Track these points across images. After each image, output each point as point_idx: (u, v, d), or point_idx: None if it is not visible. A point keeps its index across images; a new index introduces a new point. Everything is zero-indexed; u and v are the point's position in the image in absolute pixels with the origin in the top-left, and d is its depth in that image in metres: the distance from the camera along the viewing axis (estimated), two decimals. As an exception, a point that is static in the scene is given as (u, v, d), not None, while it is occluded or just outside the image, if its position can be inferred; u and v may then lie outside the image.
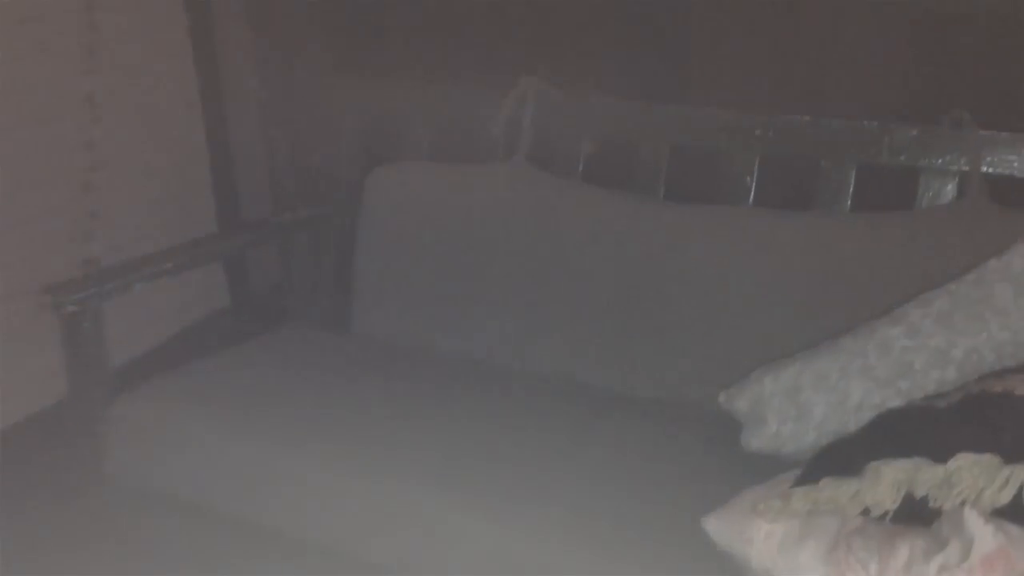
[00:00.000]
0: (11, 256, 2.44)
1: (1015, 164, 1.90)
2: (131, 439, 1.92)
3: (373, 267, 2.30)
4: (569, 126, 2.25)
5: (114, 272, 2.01)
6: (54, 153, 2.56)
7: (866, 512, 1.32)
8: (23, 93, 2.44)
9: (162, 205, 2.85)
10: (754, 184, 2.09)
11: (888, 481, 1.32)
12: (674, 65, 2.33)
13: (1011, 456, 1.25)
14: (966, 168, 1.92)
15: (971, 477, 1.26)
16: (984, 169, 1.91)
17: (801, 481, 1.41)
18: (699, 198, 2.10)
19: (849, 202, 2.02)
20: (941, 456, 1.29)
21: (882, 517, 1.32)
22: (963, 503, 1.26)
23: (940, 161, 1.96)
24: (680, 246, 2.03)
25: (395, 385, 2.03)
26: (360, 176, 2.35)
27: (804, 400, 1.61)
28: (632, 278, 2.06)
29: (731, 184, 2.10)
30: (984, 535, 1.21)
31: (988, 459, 1.26)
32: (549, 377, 2.07)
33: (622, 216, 2.11)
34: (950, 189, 1.95)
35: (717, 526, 1.44)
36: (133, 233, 2.72)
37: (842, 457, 1.41)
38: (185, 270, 2.13)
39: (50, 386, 2.35)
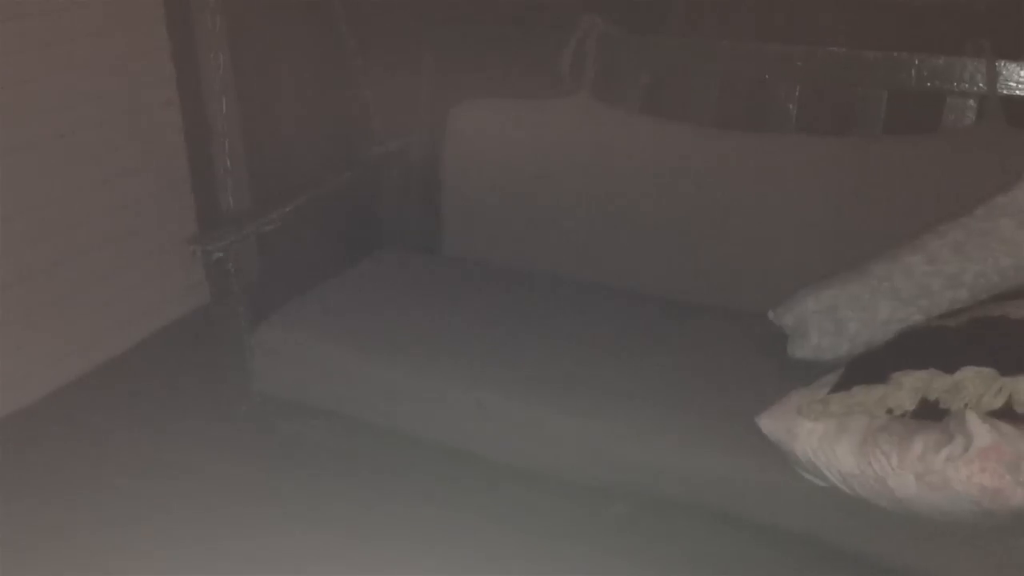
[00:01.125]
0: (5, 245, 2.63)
1: (1029, 89, 2.13)
2: (272, 361, 2.27)
3: (459, 195, 2.59)
4: (628, 62, 2.48)
5: (246, 221, 2.32)
6: (36, 149, 2.64)
7: (890, 412, 1.65)
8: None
9: (143, 203, 2.97)
10: (796, 112, 2.33)
11: (908, 387, 1.64)
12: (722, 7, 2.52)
13: (1005, 369, 1.56)
14: (985, 92, 2.16)
15: (973, 386, 1.57)
16: (1002, 92, 2.15)
17: (837, 387, 1.73)
18: (747, 126, 2.34)
19: (882, 126, 2.26)
20: (950, 368, 1.60)
21: (902, 416, 1.64)
22: (966, 406, 1.58)
23: (962, 86, 2.19)
24: (730, 171, 2.30)
25: (483, 300, 2.34)
26: (441, 113, 2.61)
27: (841, 317, 1.91)
28: (688, 200, 2.33)
29: (775, 112, 2.34)
30: (982, 432, 1.54)
31: (987, 372, 1.57)
32: (620, 289, 2.38)
33: (678, 144, 2.37)
34: (971, 112, 2.19)
35: (769, 424, 1.77)
36: (114, 230, 2.90)
37: (871, 367, 1.72)
38: (303, 212, 2.41)
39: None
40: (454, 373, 2.11)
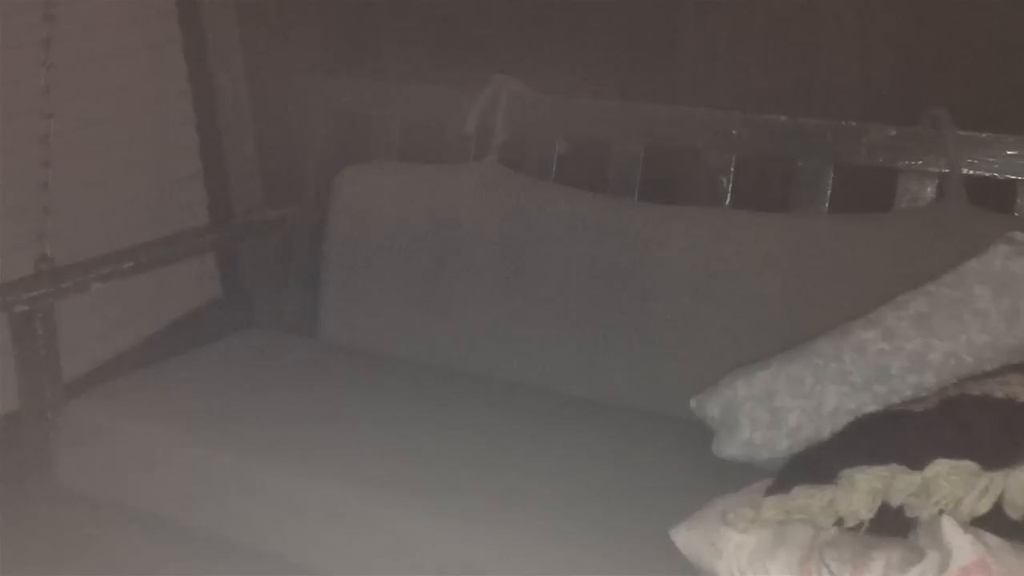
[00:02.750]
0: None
1: (995, 165, 1.86)
2: (81, 445, 1.87)
3: (340, 269, 2.25)
4: (542, 125, 2.21)
5: (70, 271, 1.94)
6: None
7: (840, 522, 1.28)
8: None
9: (153, 197, 2.81)
10: (731, 184, 2.05)
11: (863, 489, 1.27)
12: (650, 65, 2.29)
13: (990, 463, 1.20)
14: (945, 169, 1.89)
15: (949, 485, 1.21)
16: (964, 171, 1.88)
17: (773, 490, 1.36)
18: (675, 199, 2.07)
19: (827, 203, 1.98)
20: (918, 463, 1.25)
21: (857, 527, 1.28)
22: (941, 512, 1.21)
23: (919, 162, 1.92)
24: (655, 247, 1.99)
25: (356, 391, 1.99)
26: (330, 175, 2.30)
27: (778, 405, 1.57)
28: (607, 280, 2.02)
29: (707, 184, 2.06)
30: (963, 546, 1.17)
31: (966, 466, 1.21)
32: (520, 384, 2.03)
33: (596, 217, 2.06)
34: (929, 190, 1.92)
35: (686, 537, 1.39)
36: (123, 226, 2.65)
37: (816, 464, 1.36)
38: (146, 270, 2.06)
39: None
40: (297, 470, 1.71)
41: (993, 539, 1.17)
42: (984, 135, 1.86)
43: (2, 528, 2.05)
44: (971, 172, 1.87)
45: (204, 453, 1.78)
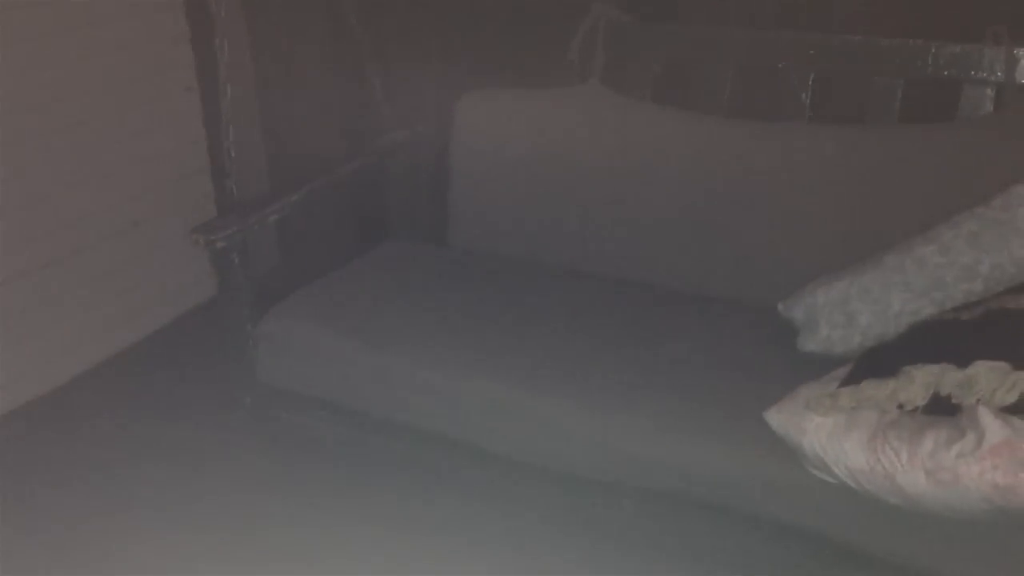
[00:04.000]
0: (6, 240, 2.60)
1: (1050, 77, 2.08)
2: (276, 352, 2.26)
3: (466, 187, 2.55)
4: (639, 50, 2.44)
5: (251, 209, 2.30)
6: (45, 139, 2.62)
7: (900, 407, 1.61)
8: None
9: (160, 191, 2.95)
10: (809, 100, 2.28)
11: (919, 382, 1.60)
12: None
13: (1019, 364, 1.52)
14: (1003, 80, 2.11)
15: (986, 380, 1.53)
16: (1020, 81, 2.10)
17: (847, 381, 1.69)
18: (760, 115, 2.30)
19: (897, 115, 2.21)
20: (963, 362, 1.56)
21: (913, 411, 1.60)
22: (978, 401, 1.54)
23: (979, 75, 2.14)
24: (742, 161, 2.25)
25: (493, 292, 2.31)
26: (448, 103, 2.57)
27: (852, 309, 1.87)
28: (703, 191, 2.28)
29: (789, 101, 2.30)
30: (994, 428, 1.50)
31: (1000, 366, 1.53)
32: (629, 280, 2.34)
33: (689, 134, 2.33)
34: (988, 101, 2.14)
35: (777, 418, 1.73)
36: (129, 219, 2.89)
37: (882, 361, 1.69)
38: (313, 200, 2.38)
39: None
40: (459, 365, 2.08)
41: (1020, 423, 1.50)
42: (1040, 50, 2.08)
43: (216, 419, 2.53)
44: (1027, 83, 2.09)
45: (372, 352, 2.14)
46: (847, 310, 1.87)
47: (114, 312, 2.93)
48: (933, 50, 2.16)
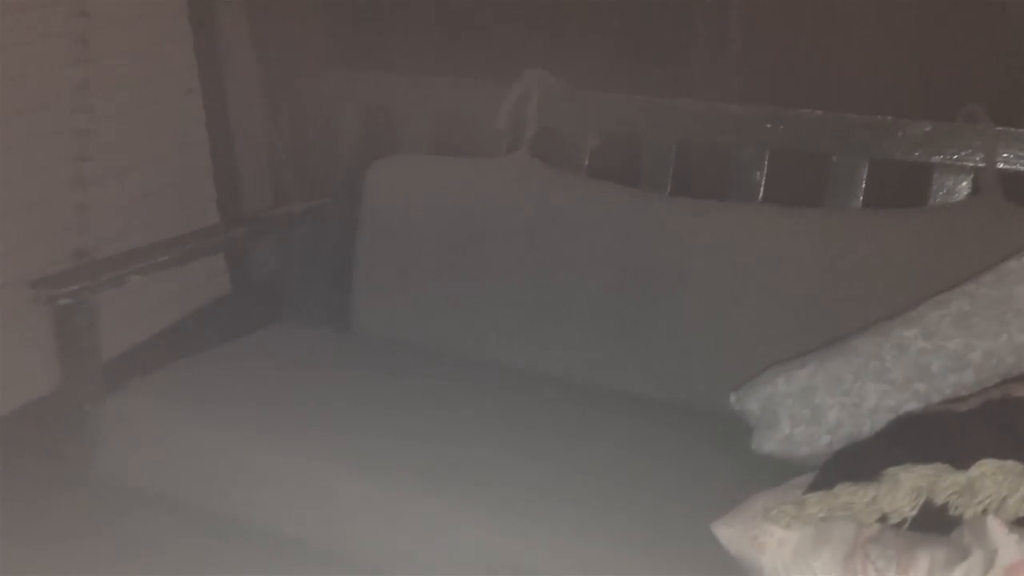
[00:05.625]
0: (4, 245, 2.44)
1: (1032, 160, 1.86)
2: (121, 435, 1.90)
3: (374, 261, 2.26)
4: (574, 120, 2.21)
5: (108, 264, 1.97)
6: (44, 142, 2.54)
7: (883, 519, 1.29)
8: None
9: (162, 194, 2.83)
10: (764, 180, 2.04)
11: (907, 487, 1.28)
12: (681, 60, 2.29)
13: (1036, 463, 1.21)
14: (981, 164, 1.88)
15: (994, 484, 1.22)
16: (999, 165, 1.87)
17: (815, 486, 1.37)
18: (707, 194, 2.06)
19: (861, 198, 1.98)
20: (962, 462, 1.26)
21: (900, 524, 1.28)
22: (985, 511, 1.22)
23: (954, 157, 1.91)
24: (688, 243, 1.99)
25: (391, 383, 2.00)
26: (361, 169, 2.30)
27: (818, 402, 1.57)
28: (640, 275, 2.02)
29: (740, 180, 2.06)
30: (1008, 544, 1.18)
31: (1012, 466, 1.22)
32: (555, 377, 2.04)
33: (629, 211, 2.07)
34: (964, 185, 1.91)
35: (728, 532, 1.40)
36: (130, 223, 2.70)
37: (858, 462, 1.37)
38: (179, 264, 2.08)
39: (44, 377, 2.39)
40: (332, 463, 1.74)
41: (1039, 538, 1.18)
42: (1021, 130, 1.86)
43: (40, 513, 2.09)
44: (1007, 167, 1.87)
45: (241, 445, 1.81)
46: (812, 403, 1.56)
47: (115, 313, 2.60)
48: (901, 129, 1.94)
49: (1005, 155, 1.87)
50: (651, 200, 2.07)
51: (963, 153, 1.90)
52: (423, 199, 2.23)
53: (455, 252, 2.18)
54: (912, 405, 1.50)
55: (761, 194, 2.04)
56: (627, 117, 2.18)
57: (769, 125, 2.03)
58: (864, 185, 1.97)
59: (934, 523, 1.27)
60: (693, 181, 2.11)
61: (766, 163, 2.04)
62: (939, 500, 1.26)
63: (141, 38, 2.73)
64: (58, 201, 2.58)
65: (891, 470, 1.29)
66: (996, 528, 1.19)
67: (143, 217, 2.74)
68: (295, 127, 2.49)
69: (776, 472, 1.50)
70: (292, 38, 2.74)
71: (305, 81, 2.44)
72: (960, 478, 1.25)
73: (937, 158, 1.92)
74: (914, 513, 1.27)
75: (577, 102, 2.21)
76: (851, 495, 1.31)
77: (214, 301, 2.97)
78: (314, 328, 2.29)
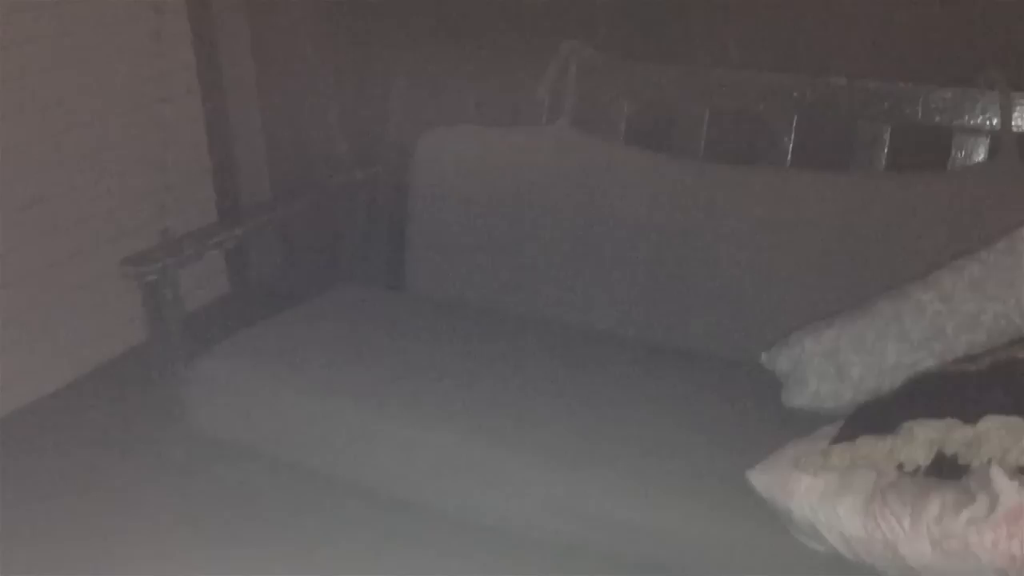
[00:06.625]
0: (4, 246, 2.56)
1: (1047, 123, 1.96)
2: (208, 393, 2.06)
3: (425, 225, 2.39)
4: (611, 90, 2.32)
5: (188, 241, 2.12)
6: None
7: (900, 467, 1.44)
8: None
9: (158, 193, 2.89)
10: (791, 145, 2.15)
11: (921, 439, 1.43)
12: (711, 29, 2.37)
13: (1036, 419, 1.36)
14: (998, 128, 1.99)
15: (998, 438, 1.37)
16: (1015, 129, 1.98)
17: (840, 438, 1.52)
18: (738, 159, 2.17)
19: (884, 162, 2.09)
20: (971, 417, 1.40)
21: (915, 472, 1.44)
22: (990, 461, 1.37)
23: (972, 122, 2.02)
24: (719, 207, 2.11)
25: (447, 340, 2.14)
26: (410, 140, 2.43)
27: (842, 360, 1.71)
28: (675, 237, 2.14)
29: (769, 145, 2.17)
30: (1009, 491, 1.33)
31: (1014, 421, 1.37)
32: (600, 332, 2.18)
33: (663, 177, 2.19)
34: (982, 149, 2.02)
35: (761, 478, 1.56)
36: (129, 222, 2.81)
37: (878, 416, 1.52)
38: (250, 236, 2.22)
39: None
40: (408, 416, 1.89)
41: (1036, 485, 1.34)
42: (1037, 95, 1.96)
43: (142, 471, 2.31)
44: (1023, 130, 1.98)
45: (317, 401, 1.96)
46: (837, 361, 1.71)
47: (114, 314, 2.83)
48: (923, 95, 2.05)
49: (1021, 118, 1.98)
50: (685, 165, 2.19)
51: (981, 117, 2.01)
52: (470, 167, 2.36)
53: (501, 216, 2.31)
54: (929, 363, 1.64)
55: (789, 159, 2.16)
56: (661, 86, 2.29)
57: (797, 93, 2.14)
58: (887, 149, 2.09)
59: (945, 472, 1.42)
60: (725, 147, 2.22)
61: (794, 129, 2.15)
62: (950, 451, 1.41)
63: (140, 38, 2.76)
64: (65, 199, 2.68)
65: (907, 424, 1.45)
66: (999, 476, 1.35)
67: (144, 218, 2.83)
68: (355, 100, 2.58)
69: (805, 423, 1.65)
70: (291, 36, 2.78)
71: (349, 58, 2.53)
72: (968, 432, 1.40)
73: (957, 122, 2.03)
74: (927, 463, 1.43)
75: (612, 73, 2.32)
76: (871, 446, 1.46)
77: (214, 300, 3.03)
78: (373, 288, 2.45)
